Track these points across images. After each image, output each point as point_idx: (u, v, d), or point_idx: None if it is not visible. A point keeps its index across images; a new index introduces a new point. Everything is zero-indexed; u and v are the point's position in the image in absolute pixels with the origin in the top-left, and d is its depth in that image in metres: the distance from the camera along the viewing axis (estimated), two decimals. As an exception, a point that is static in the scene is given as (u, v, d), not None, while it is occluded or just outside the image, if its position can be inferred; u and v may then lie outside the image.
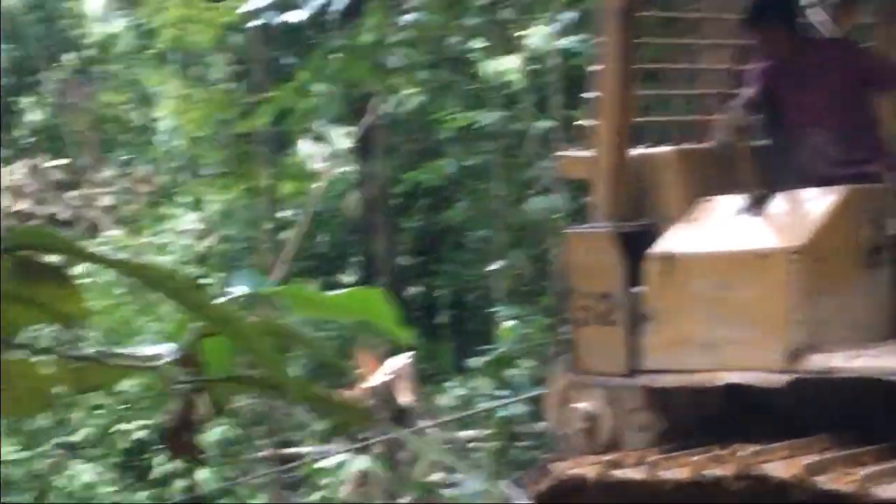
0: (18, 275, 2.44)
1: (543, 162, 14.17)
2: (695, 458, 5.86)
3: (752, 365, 6.08)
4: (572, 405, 7.03)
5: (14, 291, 2.47)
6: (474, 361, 14.74)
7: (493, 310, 16.05)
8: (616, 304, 6.48)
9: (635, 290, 6.47)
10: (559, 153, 7.76)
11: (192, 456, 2.95)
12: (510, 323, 12.89)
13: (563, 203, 12.70)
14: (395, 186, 21.21)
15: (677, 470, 5.80)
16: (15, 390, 2.80)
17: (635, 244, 6.59)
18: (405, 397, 13.08)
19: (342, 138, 23.65)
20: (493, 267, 15.15)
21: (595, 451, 6.79)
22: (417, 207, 21.81)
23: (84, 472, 14.30)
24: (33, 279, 2.45)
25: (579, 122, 7.49)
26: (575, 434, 7.07)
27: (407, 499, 11.33)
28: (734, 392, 6.37)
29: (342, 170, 23.01)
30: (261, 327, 2.65)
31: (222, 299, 2.79)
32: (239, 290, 2.87)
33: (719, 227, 6.51)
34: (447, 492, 11.26)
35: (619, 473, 5.87)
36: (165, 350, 2.80)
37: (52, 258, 2.65)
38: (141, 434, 14.58)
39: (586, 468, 6.05)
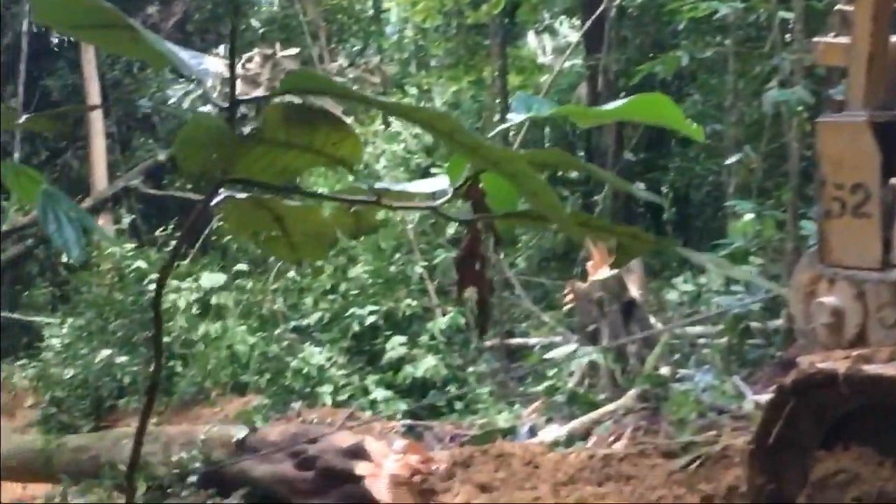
0: (293, 120, 2.43)
1: (784, 53, 13.78)
2: (952, 355, 5.64)
3: None
4: (818, 299, 6.84)
5: (289, 137, 2.47)
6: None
7: (725, 205, 15.80)
8: (870, 195, 6.25)
9: (892, 181, 6.22)
10: (815, 39, 7.46)
11: (481, 288, 2.96)
12: (747, 217, 12.62)
13: (804, 95, 12.30)
14: (625, 79, 20.92)
15: (933, 368, 5.58)
16: (295, 236, 2.84)
17: (892, 134, 6.34)
18: (634, 291, 12.99)
19: (572, 30, 23.46)
20: (729, 161, 14.86)
21: (840, 347, 6.60)
22: (647, 101, 21.49)
23: (316, 355, 14.66)
24: (308, 124, 2.44)
25: (838, 8, 7.20)
26: (819, 329, 6.89)
27: (635, 391, 11.27)
28: None
29: (571, 62, 22.82)
30: (542, 157, 2.62)
31: (501, 127, 2.78)
32: (517, 116, 2.83)
33: (984, 115, 6.20)
34: (677, 386, 11.16)
35: (870, 369, 5.66)
36: (441, 186, 2.80)
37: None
38: (372, 319, 14.84)
39: (836, 363, 5.87)
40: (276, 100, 2.42)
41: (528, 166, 2.42)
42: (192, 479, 10.50)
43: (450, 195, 2.77)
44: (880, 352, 6.03)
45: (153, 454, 10.87)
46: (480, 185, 2.79)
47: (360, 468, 9.67)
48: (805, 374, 5.87)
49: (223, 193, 2.66)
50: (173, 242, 18.03)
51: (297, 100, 2.40)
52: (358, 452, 9.79)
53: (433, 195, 2.81)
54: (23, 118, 2.67)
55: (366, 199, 2.72)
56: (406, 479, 9.56)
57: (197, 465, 10.59)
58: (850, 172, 6.35)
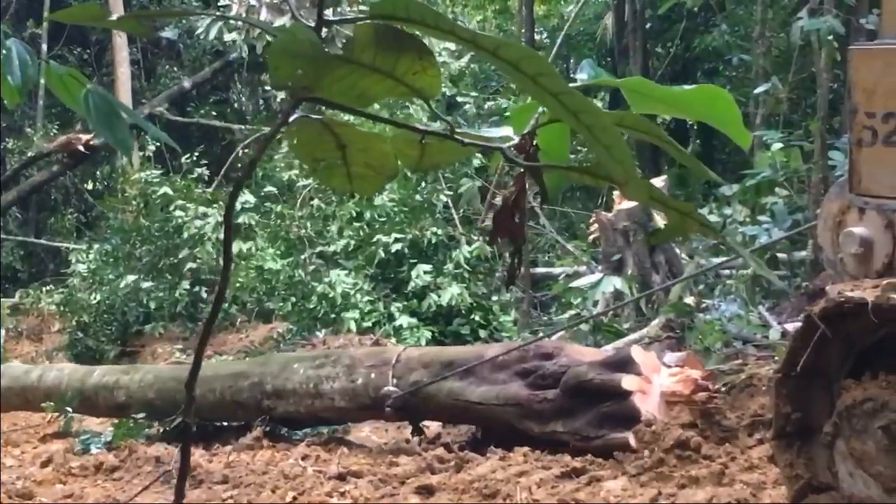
0: (381, 43, 2.42)
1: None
2: (982, 284, 5.60)
3: None
4: (847, 229, 6.81)
5: (375, 60, 2.46)
6: (728, 189, 14.49)
7: (753, 135, 15.73)
8: (903, 124, 6.20)
9: (925, 109, 6.16)
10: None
11: (515, 237, 2.99)
12: (775, 147, 12.57)
13: (834, 25, 12.21)
14: (652, 9, 20.81)
15: (964, 296, 5.55)
16: (354, 166, 2.85)
17: (927, 62, 6.27)
18: (660, 221, 13.00)
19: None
20: (756, 91, 14.80)
21: (868, 278, 6.59)
22: (674, 31, 21.39)
23: (342, 281, 14.72)
24: (396, 49, 2.43)
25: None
26: (847, 259, 6.87)
27: (660, 320, 11.31)
28: None
29: (598, -9, 22.68)
30: (619, 119, 2.62)
31: (572, 86, 2.77)
32: (580, 79, 2.85)
33: None
34: (702, 315, 11.20)
35: None
36: (504, 133, 2.81)
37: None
38: (397, 246, 14.88)
39: (865, 291, 5.84)
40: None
41: (609, 120, 2.43)
42: (387, 403, 9.25)
43: (516, 141, 2.80)
44: (914, 282, 6.01)
45: (332, 378, 9.73)
46: (535, 141, 2.81)
47: (627, 382, 8.18)
48: (834, 302, 5.84)
49: (299, 112, 2.67)
50: (198, 170, 18.11)
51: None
52: (623, 364, 8.29)
53: (498, 140, 2.83)
54: (114, 16, 2.68)
55: (440, 131, 2.73)
56: (686, 397, 8.13)
57: (390, 388, 9.32)
58: (883, 100, 6.26)
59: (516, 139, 2.76)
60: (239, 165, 18.67)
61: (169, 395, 10.68)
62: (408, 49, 2.42)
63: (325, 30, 2.45)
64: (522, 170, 2.80)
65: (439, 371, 9.20)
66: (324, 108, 2.80)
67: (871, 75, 6.33)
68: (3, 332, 16.34)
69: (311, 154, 2.81)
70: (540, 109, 2.79)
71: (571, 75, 22.99)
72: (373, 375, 9.56)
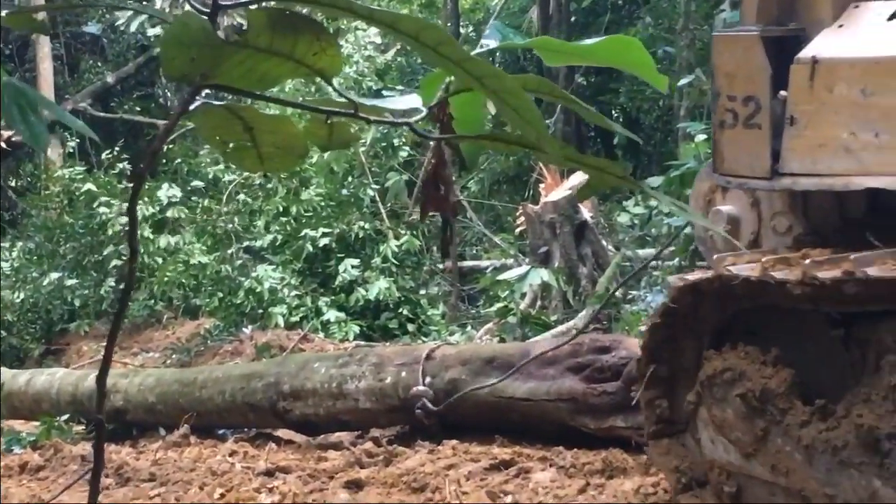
0: (277, 26, 2.41)
1: (735, -25, 13.78)
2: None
3: (893, 170, 5.94)
4: (715, 208, 7.00)
5: (272, 44, 2.45)
6: (653, 180, 14.61)
7: (677, 127, 15.88)
8: (761, 107, 6.37)
9: (781, 94, 6.34)
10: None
11: (446, 210, 2.98)
12: (699, 138, 12.67)
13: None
14: (576, 2, 20.92)
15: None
16: (264, 147, 2.83)
17: (783, 49, 6.45)
18: (586, 213, 13.08)
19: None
20: (680, 83, 14.91)
21: (736, 254, 6.77)
22: (598, 24, 21.51)
23: (269, 277, 14.67)
24: (292, 31, 2.42)
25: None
26: (716, 236, 7.06)
27: (587, 312, 11.38)
28: (876, 197, 6.25)
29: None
30: (521, 82, 2.62)
31: (475, 52, 2.77)
32: (489, 42, 2.85)
33: (869, 32, 6.30)
34: (628, 307, 11.29)
35: (736, 270, 5.78)
36: (414, 104, 2.80)
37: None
38: (324, 241, 14.85)
39: (702, 273, 6.07)
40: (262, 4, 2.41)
41: (514, 83, 2.42)
42: (417, 404, 8.68)
43: (423, 114, 2.79)
44: (741, 256, 6.18)
45: (357, 377, 9.16)
46: (448, 109, 2.81)
47: None
48: (675, 289, 6.06)
49: (199, 99, 2.65)
50: (120, 165, 17.96)
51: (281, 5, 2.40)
52: None
53: (405, 113, 2.82)
54: (3, 12, 2.62)
55: (344, 110, 2.71)
56: None
57: (420, 387, 8.75)
58: (743, 85, 6.44)
59: (425, 110, 2.75)
60: (164, 161, 18.50)
61: (172, 399, 10.21)
62: (305, 30, 2.42)
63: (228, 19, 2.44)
64: (447, 137, 2.80)
65: (480, 368, 8.70)
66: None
67: (733, 60, 6.53)
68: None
69: (220, 138, 2.80)
70: (449, 78, 2.79)
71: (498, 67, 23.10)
72: (403, 374, 9.01)
